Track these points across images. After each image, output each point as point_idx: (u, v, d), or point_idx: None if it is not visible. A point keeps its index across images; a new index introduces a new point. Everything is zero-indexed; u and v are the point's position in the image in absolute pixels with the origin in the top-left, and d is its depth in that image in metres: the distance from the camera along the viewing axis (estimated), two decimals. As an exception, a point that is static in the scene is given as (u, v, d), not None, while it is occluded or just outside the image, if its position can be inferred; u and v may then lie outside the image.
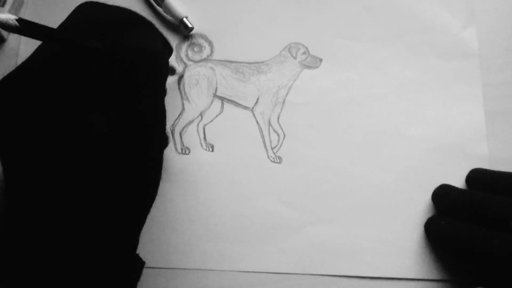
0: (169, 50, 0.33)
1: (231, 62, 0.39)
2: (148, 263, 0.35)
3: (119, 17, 0.29)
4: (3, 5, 0.38)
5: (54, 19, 0.40)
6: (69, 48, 0.26)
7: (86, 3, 0.30)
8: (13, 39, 0.39)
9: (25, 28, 0.24)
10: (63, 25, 0.29)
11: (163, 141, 0.29)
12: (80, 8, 0.30)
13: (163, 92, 0.29)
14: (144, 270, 0.34)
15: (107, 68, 0.27)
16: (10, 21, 0.24)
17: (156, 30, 0.31)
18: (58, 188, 0.24)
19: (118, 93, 0.26)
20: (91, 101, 0.26)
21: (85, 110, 0.25)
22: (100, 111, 0.25)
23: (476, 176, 0.36)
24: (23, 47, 0.39)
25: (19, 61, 0.39)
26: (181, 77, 0.39)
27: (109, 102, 0.26)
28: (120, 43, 0.27)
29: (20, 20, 0.24)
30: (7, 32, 0.39)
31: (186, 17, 0.39)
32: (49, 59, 0.26)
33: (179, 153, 0.37)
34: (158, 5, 0.40)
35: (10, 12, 0.38)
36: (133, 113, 0.26)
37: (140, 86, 0.27)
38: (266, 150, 0.37)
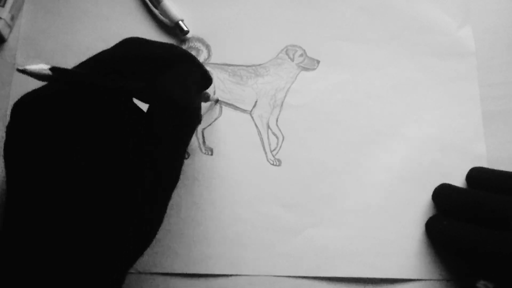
0: (208, 82, 0.33)
1: (229, 65, 0.39)
2: (147, 267, 0.35)
3: (159, 54, 0.29)
4: (3, 5, 0.38)
5: (52, 19, 0.40)
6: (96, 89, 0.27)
7: (130, 39, 0.31)
8: (13, 39, 0.39)
9: (59, 76, 0.25)
10: (103, 58, 0.29)
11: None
12: (123, 43, 0.30)
13: (186, 143, 0.29)
14: (143, 275, 0.35)
15: (129, 115, 0.27)
16: (44, 71, 0.24)
17: (196, 65, 0.31)
18: (49, 215, 0.24)
19: (134, 139, 0.26)
20: (102, 144, 0.26)
21: (90, 152, 0.25)
22: (109, 155, 0.25)
23: (477, 175, 0.36)
24: (22, 48, 0.39)
25: (17, 62, 0.39)
26: None
27: (124, 148, 0.26)
28: (153, 90, 0.27)
29: (53, 69, 0.25)
30: (7, 32, 0.39)
31: (182, 20, 0.39)
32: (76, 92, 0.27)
33: (178, 157, 0.37)
34: (155, 7, 0.40)
35: (10, 12, 0.38)
36: (147, 166, 0.26)
37: (163, 139, 0.27)
38: (265, 153, 0.37)
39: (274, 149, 0.37)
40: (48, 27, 0.40)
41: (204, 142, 0.37)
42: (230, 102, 0.38)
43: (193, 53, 0.39)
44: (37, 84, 0.27)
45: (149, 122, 0.26)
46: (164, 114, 0.27)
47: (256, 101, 0.38)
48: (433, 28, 0.40)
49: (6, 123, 0.36)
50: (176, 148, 0.28)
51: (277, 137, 0.38)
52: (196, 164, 0.37)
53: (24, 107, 0.26)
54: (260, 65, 0.39)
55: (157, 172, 0.27)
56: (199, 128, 0.38)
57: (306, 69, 0.39)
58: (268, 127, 0.38)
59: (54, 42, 0.39)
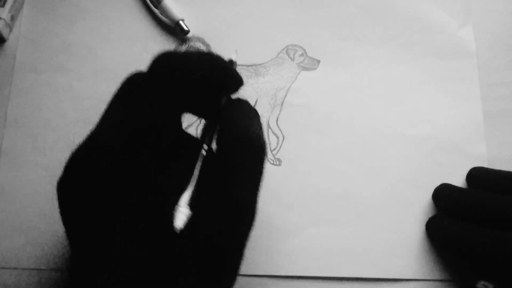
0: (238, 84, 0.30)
1: (229, 65, 0.39)
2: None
3: (203, 74, 0.26)
4: (3, 5, 0.38)
5: (52, 18, 0.40)
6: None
7: (163, 57, 0.26)
8: (13, 39, 0.39)
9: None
10: (144, 93, 0.26)
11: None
12: (156, 65, 0.26)
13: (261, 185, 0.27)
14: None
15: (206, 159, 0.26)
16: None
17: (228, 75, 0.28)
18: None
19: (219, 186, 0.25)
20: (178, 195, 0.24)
21: (171, 205, 0.24)
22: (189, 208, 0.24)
23: (477, 175, 0.36)
24: (22, 47, 0.39)
25: (17, 62, 0.38)
26: None
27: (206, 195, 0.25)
28: (224, 131, 0.26)
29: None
30: (7, 32, 0.39)
31: (182, 20, 0.39)
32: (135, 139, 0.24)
33: (178, 157, 0.37)
34: (155, 6, 0.40)
35: (10, 11, 0.38)
36: (234, 208, 0.24)
37: (245, 180, 0.25)
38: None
39: (274, 149, 0.37)
40: (48, 27, 0.40)
41: (204, 141, 0.37)
42: (230, 101, 0.38)
43: (193, 52, 0.39)
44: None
45: (235, 169, 0.25)
46: (249, 156, 0.25)
47: (256, 101, 0.38)
48: (434, 28, 0.40)
49: (6, 124, 0.37)
50: (257, 188, 0.26)
51: (277, 137, 0.38)
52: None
53: (76, 167, 0.24)
54: (260, 64, 0.39)
55: (244, 209, 0.25)
56: (199, 127, 0.38)
57: (306, 68, 0.39)
58: (269, 126, 0.38)
59: (54, 42, 0.39)
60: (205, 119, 0.27)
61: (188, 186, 0.25)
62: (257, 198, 0.26)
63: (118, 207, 0.23)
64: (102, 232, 0.23)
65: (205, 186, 0.25)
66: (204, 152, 0.26)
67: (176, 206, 0.24)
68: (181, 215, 0.23)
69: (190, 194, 0.25)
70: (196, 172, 0.26)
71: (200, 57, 0.27)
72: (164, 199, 0.24)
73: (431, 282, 0.35)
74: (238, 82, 0.27)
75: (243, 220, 0.25)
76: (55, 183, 0.25)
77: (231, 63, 0.32)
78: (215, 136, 0.28)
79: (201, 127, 0.38)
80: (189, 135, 0.28)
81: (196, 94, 0.26)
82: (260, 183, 0.26)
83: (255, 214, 0.25)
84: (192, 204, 0.24)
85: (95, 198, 0.23)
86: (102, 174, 0.23)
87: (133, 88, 0.26)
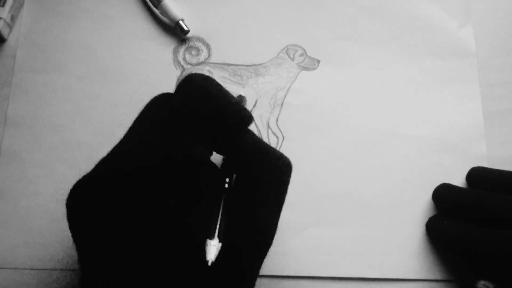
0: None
1: (229, 65, 0.39)
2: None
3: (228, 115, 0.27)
4: (3, 5, 0.38)
5: (53, 18, 0.40)
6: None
7: (193, 81, 0.27)
8: (13, 39, 0.39)
9: None
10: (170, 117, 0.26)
11: None
12: (186, 89, 0.27)
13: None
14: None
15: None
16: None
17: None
18: None
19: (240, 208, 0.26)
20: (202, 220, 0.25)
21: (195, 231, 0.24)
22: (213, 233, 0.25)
23: (477, 175, 0.36)
24: (22, 47, 0.39)
25: (17, 62, 0.38)
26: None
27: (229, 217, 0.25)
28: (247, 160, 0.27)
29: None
30: (7, 32, 0.39)
31: (182, 20, 0.39)
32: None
33: (178, 157, 0.37)
34: (155, 6, 0.40)
35: (10, 11, 0.38)
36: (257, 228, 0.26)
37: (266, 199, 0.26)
38: (265, 152, 0.37)
39: (274, 149, 0.37)
40: (48, 27, 0.40)
41: (204, 141, 0.37)
42: (230, 101, 0.38)
43: (193, 52, 0.39)
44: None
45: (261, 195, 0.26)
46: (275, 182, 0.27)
47: (256, 101, 0.38)
48: (434, 28, 0.40)
49: (6, 124, 0.37)
50: (278, 209, 0.27)
51: (277, 137, 0.38)
52: (196, 163, 0.37)
53: (83, 189, 0.25)
54: (260, 64, 0.39)
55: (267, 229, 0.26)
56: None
57: (306, 68, 0.39)
58: (268, 126, 0.38)
59: (54, 42, 0.39)
60: (220, 154, 0.28)
61: (216, 219, 0.26)
62: (278, 216, 0.27)
63: (112, 214, 0.24)
64: (101, 238, 0.24)
65: (230, 213, 0.26)
66: (226, 185, 0.27)
67: (207, 240, 0.24)
68: (213, 248, 0.24)
69: (218, 225, 0.25)
70: (221, 204, 0.26)
71: (220, 91, 0.27)
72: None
73: (431, 282, 0.35)
74: (250, 119, 0.28)
75: (262, 237, 0.26)
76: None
77: (242, 98, 0.34)
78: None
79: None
80: (215, 166, 0.28)
81: (215, 127, 0.27)
82: (282, 201, 0.27)
83: (275, 231, 0.26)
84: (220, 234, 0.25)
85: (100, 208, 0.24)
86: (117, 193, 0.24)
87: (162, 111, 0.26)
